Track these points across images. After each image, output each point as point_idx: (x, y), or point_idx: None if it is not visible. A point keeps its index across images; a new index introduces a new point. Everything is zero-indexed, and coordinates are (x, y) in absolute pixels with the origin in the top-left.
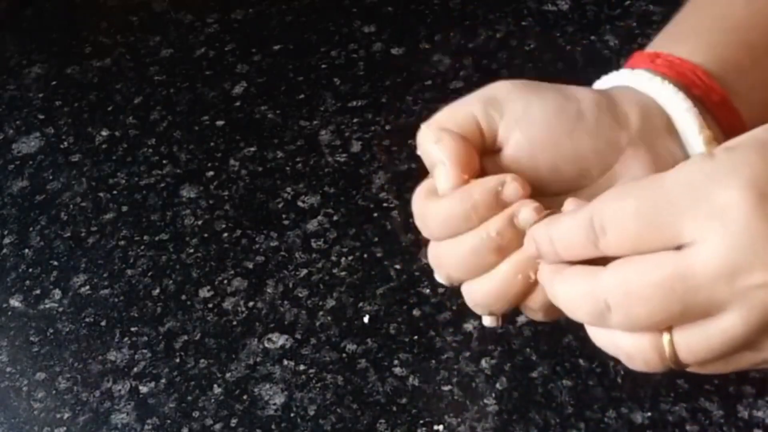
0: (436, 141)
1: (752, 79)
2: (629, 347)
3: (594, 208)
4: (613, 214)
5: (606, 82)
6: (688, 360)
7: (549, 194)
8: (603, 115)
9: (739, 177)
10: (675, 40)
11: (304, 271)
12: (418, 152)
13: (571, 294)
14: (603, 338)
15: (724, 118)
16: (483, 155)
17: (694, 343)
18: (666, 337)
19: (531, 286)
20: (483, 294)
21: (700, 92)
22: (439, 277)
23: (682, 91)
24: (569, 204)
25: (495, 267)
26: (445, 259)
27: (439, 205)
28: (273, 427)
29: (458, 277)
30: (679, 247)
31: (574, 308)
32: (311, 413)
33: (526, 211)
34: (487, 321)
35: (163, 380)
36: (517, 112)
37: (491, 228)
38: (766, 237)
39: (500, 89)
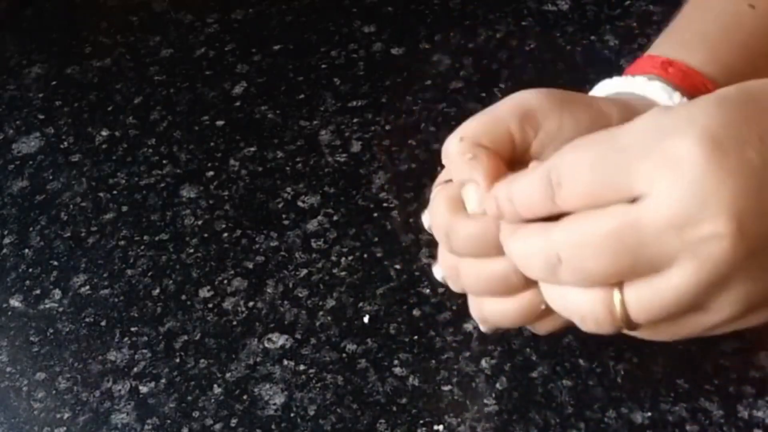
0: (472, 157)
1: None
2: (580, 306)
3: (551, 163)
4: (568, 167)
5: (621, 85)
6: (639, 318)
7: None
8: (637, 142)
9: (694, 127)
10: (686, 47)
11: (304, 271)
12: (445, 160)
13: (524, 250)
14: (556, 298)
15: None
16: (510, 165)
17: (644, 300)
18: (617, 295)
19: (548, 312)
20: (500, 316)
21: None
22: (451, 285)
23: None
24: (533, 165)
25: (519, 292)
26: (465, 276)
27: (470, 225)
28: (273, 427)
29: (474, 293)
30: (633, 200)
31: (527, 265)
32: (311, 413)
33: None
34: (485, 327)
35: (163, 380)
36: (551, 129)
37: None
38: (717, 187)
39: (536, 102)
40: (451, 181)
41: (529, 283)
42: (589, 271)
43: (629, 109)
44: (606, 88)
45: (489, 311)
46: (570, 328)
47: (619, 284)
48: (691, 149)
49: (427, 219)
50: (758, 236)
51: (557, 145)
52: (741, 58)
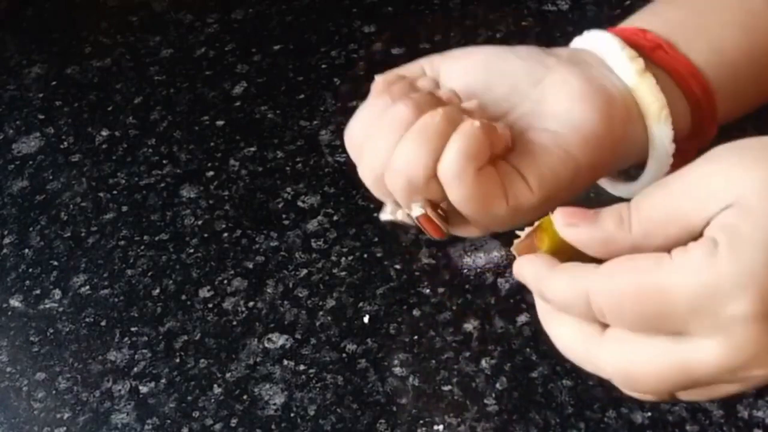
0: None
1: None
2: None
3: (591, 287)
4: (611, 304)
5: (583, 42)
6: (687, 400)
7: (487, 117)
8: (532, 48)
9: (745, 293)
10: (639, 15)
11: (304, 271)
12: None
13: (570, 349)
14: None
15: (666, 60)
16: None
17: (695, 397)
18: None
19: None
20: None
21: (654, 55)
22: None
23: (630, 48)
24: (559, 215)
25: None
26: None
27: (561, 282)
28: (273, 427)
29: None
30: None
31: (573, 359)
32: (311, 413)
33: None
34: (386, 214)
35: (163, 380)
36: (456, 53)
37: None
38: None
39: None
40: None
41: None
42: (643, 392)
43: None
44: (579, 42)
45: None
46: None
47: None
48: (742, 315)
49: (386, 215)
50: None
51: (460, 56)
52: (679, 11)
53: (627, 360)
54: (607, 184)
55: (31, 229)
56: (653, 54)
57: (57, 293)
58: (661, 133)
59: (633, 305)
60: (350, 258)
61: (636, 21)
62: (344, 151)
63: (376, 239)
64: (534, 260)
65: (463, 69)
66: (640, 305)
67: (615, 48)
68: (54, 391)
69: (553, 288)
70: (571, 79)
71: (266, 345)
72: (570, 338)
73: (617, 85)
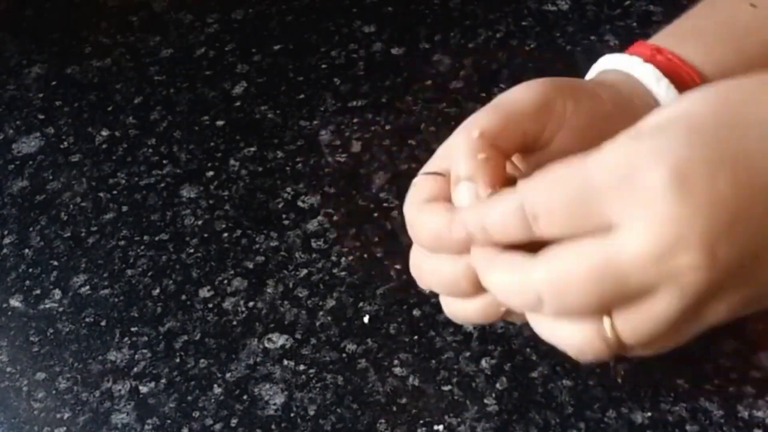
0: (484, 158)
1: None
2: (573, 339)
3: (524, 195)
4: (542, 201)
5: (615, 61)
6: (632, 342)
7: None
8: (623, 114)
9: (663, 161)
10: (678, 38)
11: (304, 271)
12: (452, 150)
13: (504, 285)
14: (545, 330)
15: None
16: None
17: (635, 325)
18: (607, 322)
19: (510, 313)
20: (462, 315)
21: None
22: (417, 282)
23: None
24: (515, 159)
25: (473, 297)
26: (422, 271)
27: (431, 219)
28: (273, 427)
29: (435, 291)
30: (609, 229)
31: (507, 299)
32: (311, 413)
33: None
34: (465, 324)
35: (163, 380)
36: (559, 120)
37: (470, 263)
38: (689, 221)
39: (546, 95)
40: (437, 174)
41: (482, 289)
42: (573, 307)
43: (618, 92)
44: (606, 62)
45: (453, 309)
46: None
47: (607, 312)
48: (658, 184)
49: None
50: (733, 260)
51: (563, 133)
52: (734, 55)
53: (557, 269)
54: None
55: (31, 229)
56: None
57: (57, 293)
58: None
59: (559, 190)
60: (350, 258)
61: (686, 48)
62: (344, 151)
63: (376, 239)
64: (473, 206)
65: (563, 153)
66: (565, 188)
67: None
68: (54, 391)
69: (491, 212)
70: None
71: (266, 345)
72: (502, 276)
73: None
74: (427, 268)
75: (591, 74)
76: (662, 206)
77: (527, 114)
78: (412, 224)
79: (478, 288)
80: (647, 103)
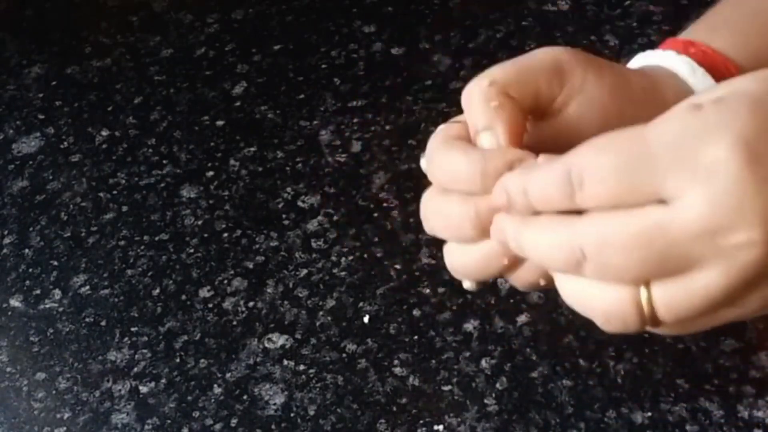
0: (497, 105)
1: None
2: (605, 304)
3: (572, 160)
4: (591, 167)
5: (645, 59)
6: (667, 317)
7: None
8: (649, 99)
9: (728, 134)
10: (710, 31)
11: (304, 271)
12: (465, 102)
13: (543, 242)
14: (575, 293)
15: None
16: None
17: (673, 299)
18: (644, 292)
19: (514, 266)
20: (463, 264)
21: None
22: (424, 225)
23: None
24: (543, 159)
25: (477, 242)
26: (431, 213)
27: (451, 155)
28: (273, 427)
29: (438, 234)
30: (660, 202)
31: (546, 257)
32: (311, 413)
33: None
34: (467, 284)
35: (163, 380)
36: (575, 85)
37: (480, 207)
38: (753, 196)
39: (565, 58)
40: (458, 122)
41: (485, 233)
42: (616, 268)
43: (650, 79)
44: (640, 59)
45: (455, 259)
46: (570, 328)
47: (646, 283)
48: (725, 158)
49: (424, 162)
50: None
51: (579, 102)
52: (766, 45)
53: (605, 227)
54: None
55: (31, 229)
56: None
57: (57, 293)
58: None
59: (613, 159)
60: (350, 258)
61: (719, 40)
62: (344, 151)
63: (376, 239)
64: (515, 172)
65: (579, 121)
66: (619, 158)
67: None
68: (54, 391)
69: (536, 177)
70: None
71: (266, 345)
72: (543, 233)
73: None
74: (435, 209)
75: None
76: (725, 179)
77: (541, 70)
78: (432, 158)
79: (481, 233)
80: (681, 94)
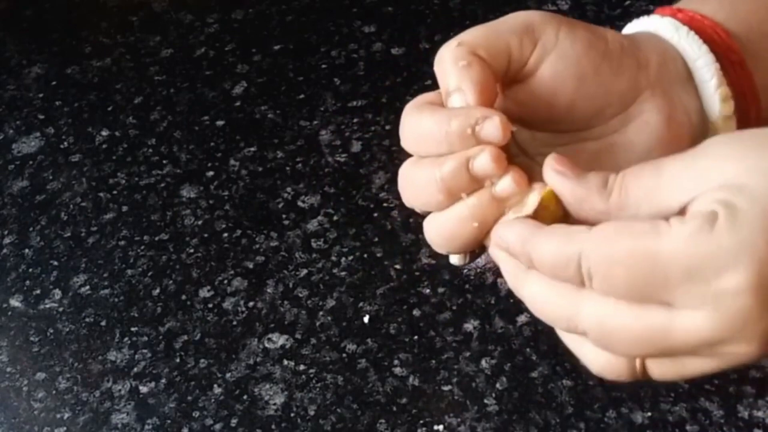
0: (465, 64)
1: None
2: (602, 363)
3: (584, 248)
4: (602, 264)
5: (632, 27)
6: (659, 379)
7: (556, 131)
8: (626, 56)
9: (742, 265)
10: (700, 1)
11: (304, 271)
12: (436, 67)
13: (546, 306)
14: (575, 347)
15: (738, 79)
16: (502, 81)
17: (665, 370)
18: (638, 363)
19: (485, 228)
20: (435, 233)
21: (718, 50)
22: (402, 197)
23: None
24: (551, 159)
25: (447, 206)
26: (404, 182)
27: (420, 118)
28: (273, 427)
29: (415, 206)
30: (664, 303)
31: (546, 317)
32: (311, 413)
33: (484, 157)
34: (453, 259)
35: (163, 380)
36: (548, 42)
37: (444, 168)
38: (757, 321)
39: (536, 18)
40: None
41: (452, 196)
42: (613, 350)
43: (629, 38)
44: (627, 29)
45: (432, 232)
46: None
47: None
48: (736, 290)
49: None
50: None
51: (552, 61)
52: (758, 11)
53: (607, 315)
54: None
55: (31, 229)
56: (731, 73)
57: (57, 293)
58: None
59: (624, 268)
60: (350, 258)
61: (708, 6)
62: (344, 151)
63: (376, 239)
64: (518, 223)
65: (554, 80)
66: (631, 268)
67: (711, 83)
68: (54, 391)
69: (541, 249)
70: (654, 121)
71: (266, 345)
72: (545, 294)
73: (696, 124)
74: (407, 178)
75: None
76: (734, 307)
77: (512, 29)
78: (403, 124)
79: (448, 196)
80: (667, 55)
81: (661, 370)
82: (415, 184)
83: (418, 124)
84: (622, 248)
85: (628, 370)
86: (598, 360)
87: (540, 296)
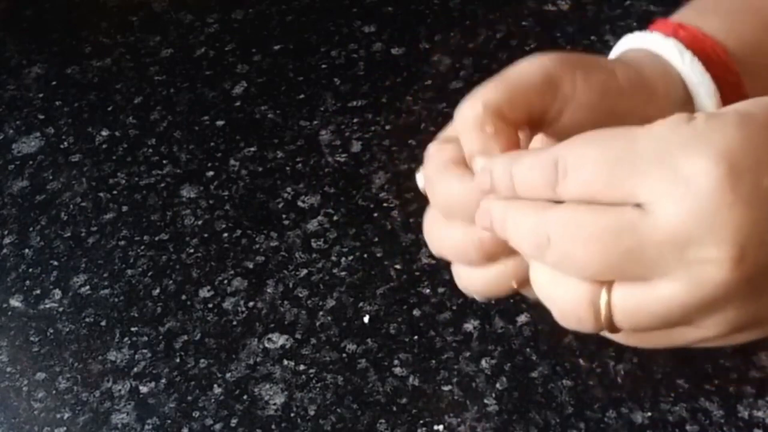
0: (492, 132)
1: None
2: (564, 298)
3: (560, 149)
4: (577, 158)
5: (633, 41)
6: (623, 323)
7: None
8: (637, 91)
9: (713, 147)
10: (700, 14)
11: (304, 271)
12: (458, 125)
13: (519, 224)
14: (542, 283)
15: (735, 101)
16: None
17: (631, 305)
18: (604, 295)
19: (522, 287)
20: (469, 283)
21: (717, 72)
22: (429, 246)
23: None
24: (537, 141)
25: (485, 266)
26: (435, 237)
27: (449, 186)
28: (273, 427)
29: (446, 258)
30: (636, 206)
31: (518, 238)
32: (311, 413)
33: None
34: (477, 296)
35: (163, 380)
36: (566, 93)
37: (483, 233)
38: (727, 212)
39: (553, 69)
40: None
41: (491, 258)
42: (576, 260)
43: (636, 69)
44: (626, 42)
45: (463, 279)
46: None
47: (608, 285)
48: (705, 169)
49: (421, 179)
50: (757, 265)
51: (571, 111)
52: (757, 28)
53: (574, 216)
54: None
55: (31, 229)
56: (728, 96)
57: (57, 293)
58: None
59: (597, 151)
60: (350, 258)
61: (709, 24)
62: (344, 151)
63: (376, 239)
64: (501, 155)
65: (572, 128)
66: (604, 150)
67: (710, 104)
68: (54, 391)
69: (522, 161)
70: None
71: (266, 345)
72: (521, 211)
73: None
74: (439, 234)
75: (613, 54)
76: (702, 192)
77: (532, 87)
78: (432, 185)
79: (487, 258)
80: (669, 79)
81: (626, 304)
82: (449, 243)
83: (448, 190)
84: (597, 138)
85: (589, 306)
86: (561, 296)
87: (517, 219)
